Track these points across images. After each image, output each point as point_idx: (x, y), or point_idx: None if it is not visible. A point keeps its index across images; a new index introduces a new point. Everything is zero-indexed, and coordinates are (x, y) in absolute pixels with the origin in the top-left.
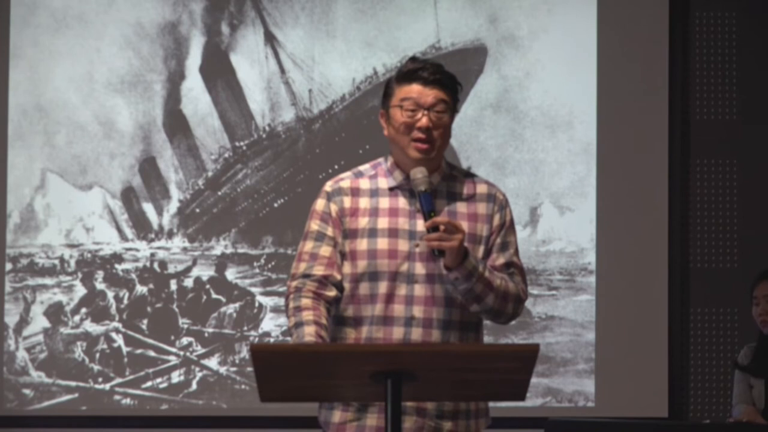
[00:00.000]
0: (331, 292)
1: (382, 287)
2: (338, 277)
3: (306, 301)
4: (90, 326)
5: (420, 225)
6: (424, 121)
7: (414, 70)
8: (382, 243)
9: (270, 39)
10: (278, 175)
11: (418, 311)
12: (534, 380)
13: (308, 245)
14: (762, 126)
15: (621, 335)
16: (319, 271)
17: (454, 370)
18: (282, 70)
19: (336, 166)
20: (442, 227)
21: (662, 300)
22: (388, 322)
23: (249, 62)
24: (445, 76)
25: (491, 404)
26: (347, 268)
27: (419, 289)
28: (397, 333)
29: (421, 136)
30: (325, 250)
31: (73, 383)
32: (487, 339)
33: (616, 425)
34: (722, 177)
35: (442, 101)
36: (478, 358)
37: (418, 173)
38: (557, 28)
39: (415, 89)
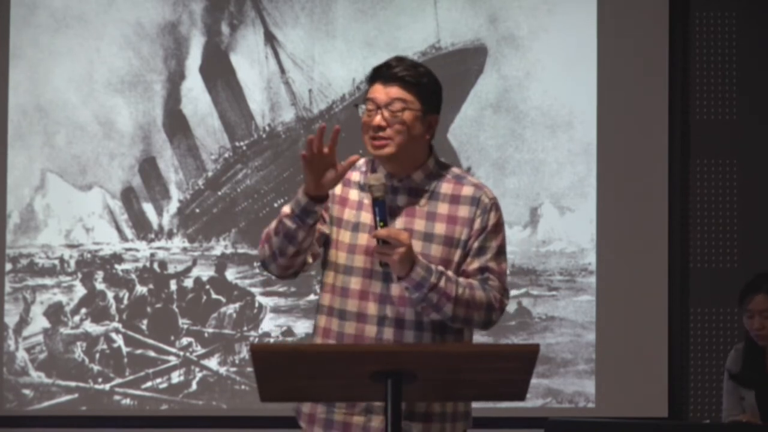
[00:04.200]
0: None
1: (356, 282)
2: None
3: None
4: (90, 326)
5: (399, 223)
6: (376, 119)
7: (379, 68)
8: (362, 238)
9: (270, 39)
10: (278, 175)
11: (390, 311)
12: (534, 381)
13: None
14: (762, 126)
15: (621, 336)
16: None
17: (454, 370)
18: (282, 70)
19: None
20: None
21: (662, 300)
22: (360, 319)
23: (249, 62)
24: (411, 73)
25: (492, 404)
26: (331, 256)
27: (395, 288)
28: (369, 331)
29: (372, 134)
30: None
31: (72, 383)
32: (487, 339)
33: (616, 425)
34: (722, 177)
35: (399, 99)
36: (478, 358)
37: (373, 180)
38: (557, 28)
39: (375, 88)
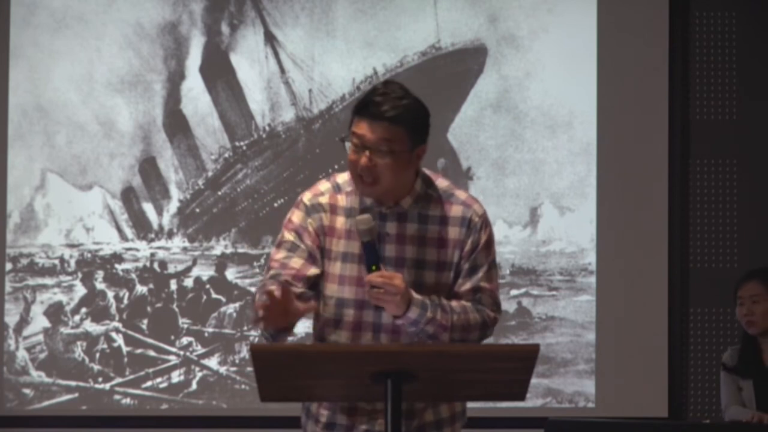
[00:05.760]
0: (297, 290)
1: (349, 314)
2: (301, 288)
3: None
4: (90, 326)
5: (389, 250)
6: (363, 161)
7: (366, 103)
8: (352, 269)
9: (270, 39)
10: (278, 175)
11: (385, 339)
12: (534, 381)
13: (280, 254)
14: (762, 126)
15: (621, 335)
16: (286, 277)
17: (454, 371)
18: (282, 70)
19: (336, 166)
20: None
21: (662, 300)
22: None
23: (249, 62)
24: (398, 111)
25: (492, 404)
26: (320, 286)
27: (387, 317)
28: None
29: (360, 175)
30: (296, 262)
31: (73, 383)
32: (487, 339)
33: (616, 425)
34: (722, 177)
35: (386, 139)
36: (478, 358)
37: (361, 224)
38: (557, 28)
39: (362, 125)
